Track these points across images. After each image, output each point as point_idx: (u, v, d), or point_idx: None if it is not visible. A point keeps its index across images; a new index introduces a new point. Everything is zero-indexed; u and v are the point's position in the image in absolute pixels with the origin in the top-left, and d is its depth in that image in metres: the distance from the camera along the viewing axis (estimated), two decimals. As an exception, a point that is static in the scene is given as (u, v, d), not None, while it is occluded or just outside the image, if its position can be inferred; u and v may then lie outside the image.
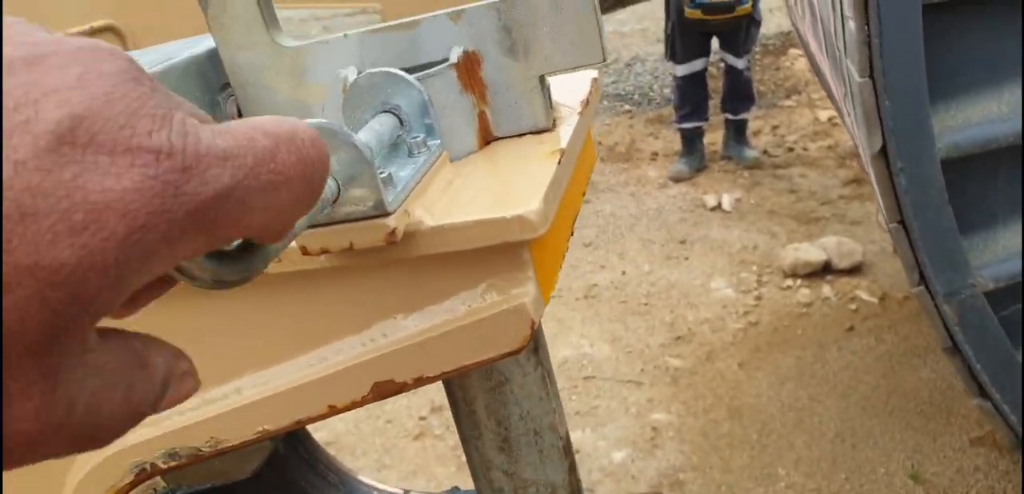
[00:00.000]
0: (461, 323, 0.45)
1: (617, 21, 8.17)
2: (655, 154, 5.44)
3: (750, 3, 4.48)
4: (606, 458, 2.90)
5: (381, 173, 0.39)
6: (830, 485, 2.63)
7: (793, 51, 6.66)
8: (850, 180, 4.62)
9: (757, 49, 6.75)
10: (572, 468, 0.59)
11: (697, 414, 3.04)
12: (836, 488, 2.61)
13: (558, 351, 3.49)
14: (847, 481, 2.64)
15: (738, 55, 4.76)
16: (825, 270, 3.71)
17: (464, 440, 0.57)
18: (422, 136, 0.45)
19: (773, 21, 6.78)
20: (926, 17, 1.18)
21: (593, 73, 0.67)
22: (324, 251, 0.41)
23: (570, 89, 0.64)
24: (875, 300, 3.50)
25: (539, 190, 0.45)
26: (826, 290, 3.63)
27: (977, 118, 1.26)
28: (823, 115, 5.50)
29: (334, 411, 0.46)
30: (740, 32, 4.65)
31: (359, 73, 0.46)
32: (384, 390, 0.45)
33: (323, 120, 0.38)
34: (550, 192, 0.46)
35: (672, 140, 5.37)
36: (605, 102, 6.59)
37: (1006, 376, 1.47)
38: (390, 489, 0.93)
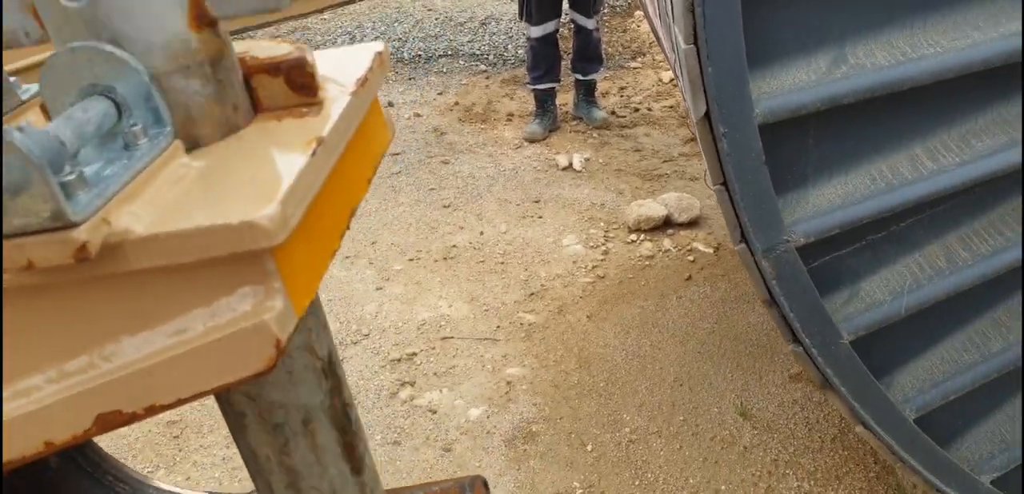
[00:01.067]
0: (196, 344, 0.38)
1: (471, -22, 8.06)
2: (511, 115, 5.46)
3: None
4: (463, 416, 2.92)
5: (69, 174, 0.30)
6: (669, 427, 2.80)
7: (639, 13, 6.91)
8: (689, 139, 4.88)
9: (605, 11, 6.92)
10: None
11: (549, 366, 3.12)
12: (675, 429, 2.79)
13: (417, 313, 3.45)
14: (685, 422, 2.82)
15: (588, 15, 4.84)
16: (666, 224, 3.91)
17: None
18: (142, 124, 0.36)
19: (618, -16, 7.00)
20: (741, -14, 1.22)
21: (378, 46, 0.61)
22: (-2, 270, 0.32)
23: (349, 66, 0.57)
24: (711, 251, 3.75)
25: (278, 189, 0.39)
26: (667, 243, 3.84)
27: (789, 85, 1.34)
28: (666, 76, 5.77)
29: (53, 447, 0.38)
30: None
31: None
32: (110, 422, 0.37)
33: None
34: (294, 191, 0.40)
35: (527, 100, 5.41)
36: (461, 61, 6.50)
37: (814, 324, 1.60)
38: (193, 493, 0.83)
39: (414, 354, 3.23)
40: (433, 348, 3.26)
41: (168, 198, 0.37)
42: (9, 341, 0.38)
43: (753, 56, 1.31)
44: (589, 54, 5.01)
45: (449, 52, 6.73)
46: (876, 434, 1.72)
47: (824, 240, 1.52)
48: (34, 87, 0.54)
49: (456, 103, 5.71)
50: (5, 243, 0.30)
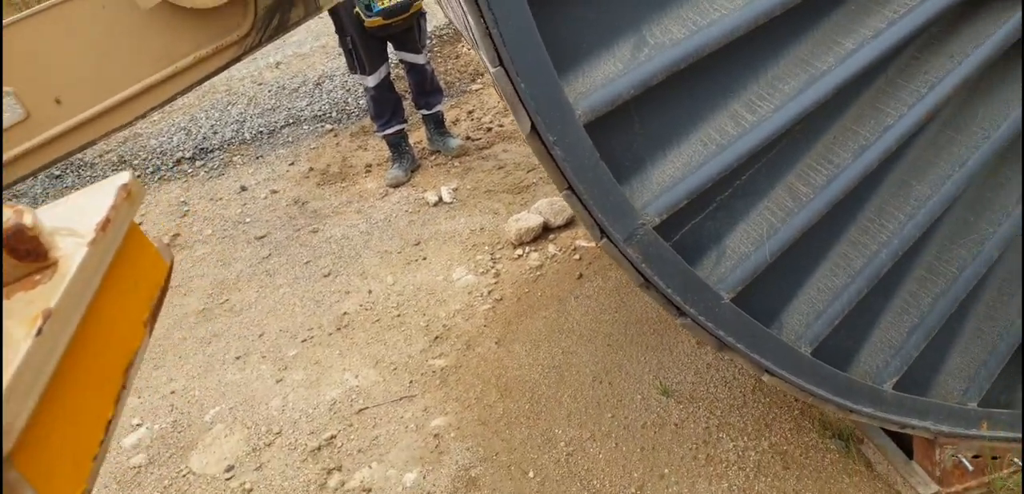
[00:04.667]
0: None
1: (295, 43, 7.88)
2: (369, 166, 5.35)
3: None
4: (399, 486, 2.79)
5: None
6: (601, 428, 2.78)
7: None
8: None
9: (434, 41, 6.94)
10: None
11: (471, 406, 3.04)
12: (606, 428, 2.77)
13: (324, 394, 3.28)
14: (614, 419, 2.81)
15: (417, 52, 4.83)
16: (546, 230, 3.94)
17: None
18: None
19: (440, 13, 7.02)
20: (531, 2, 1.21)
21: (123, 178, 0.54)
22: None
23: (90, 210, 0.51)
24: (593, 244, 3.80)
25: None
26: (552, 248, 3.86)
27: (601, 79, 1.34)
28: (511, 86, 5.86)
29: None
30: (413, 30, 4.71)
31: None
32: None
33: None
34: (16, 386, 0.36)
35: (381, 148, 5.33)
36: (305, 126, 6.32)
37: (694, 293, 1.61)
38: None
39: (333, 437, 3.06)
40: (351, 425, 3.11)
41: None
42: None
43: (561, 62, 1.30)
44: (427, 87, 5.01)
45: (291, 121, 6.53)
46: (781, 377, 1.75)
47: (677, 213, 1.53)
48: None
49: (310, 169, 5.54)
50: None
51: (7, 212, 0.45)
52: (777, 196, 1.63)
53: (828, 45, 1.54)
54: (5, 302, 0.44)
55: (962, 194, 1.75)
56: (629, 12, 1.33)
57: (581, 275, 3.60)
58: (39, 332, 0.40)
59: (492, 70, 1.24)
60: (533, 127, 1.32)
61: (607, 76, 1.33)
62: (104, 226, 0.51)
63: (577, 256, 3.76)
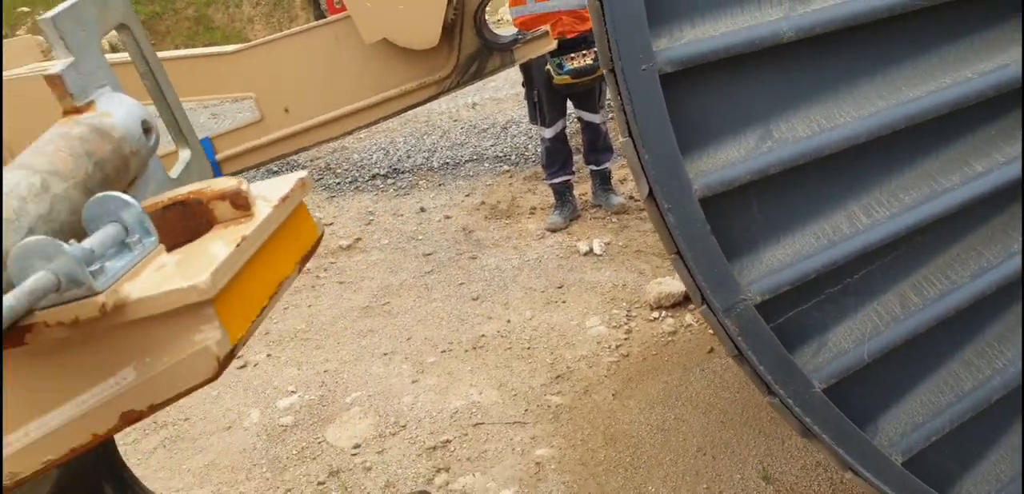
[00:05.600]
0: (174, 362, 0.62)
1: (492, 88, 8.58)
2: (533, 208, 5.74)
3: None
4: (493, 498, 3.03)
5: (94, 267, 0.55)
6: (693, 496, 2.86)
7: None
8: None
9: (611, 103, 7.22)
10: None
11: (576, 445, 3.22)
12: (698, 498, 2.84)
13: (449, 402, 3.62)
14: (708, 489, 2.87)
15: (595, 111, 5.17)
16: (686, 300, 4.03)
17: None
18: (138, 236, 0.63)
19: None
20: (666, 86, 1.44)
21: (301, 174, 0.87)
22: (60, 324, 0.56)
23: (279, 189, 0.84)
24: (730, 322, 3.83)
25: (211, 267, 0.64)
26: (689, 318, 3.95)
27: (723, 162, 1.52)
28: (682, 158, 5.98)
29: (97, 438, 0.62)
30: (594, 91, 5.06)
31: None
32: (130, 418, 0.63)
33: (43, 238, 0.54)
34: (221, 268, 0.65)
35: (547, 194, 5.70)
36: (486, 164, 6.89)
37: (785, 375, 1.69)
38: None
39: (448, 441, 3.37)
40: (466, 435, 3.40)
41: (153, 278, 0.62)
42: (70, 375, 0.62)
43: (688, 141, 1.51)
44: (599, 145, 5.31)
45: (474, 157, 7.13)
46: (865, 479, 1.77)
47: (782, 296, 1.64)
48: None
49: (482, 203, 6.03)
50: (60, 308, 0.54)
51: (232, 180, 0.78)
52: (887, 300, 1.70)
53: (958, 164, 1.61)
54: (224, 229, 0.75)
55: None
56: (761, 106, 1.52)
57: (712, 350, 3.66)
58: (237, 246, 0.69)
59: (621, 139, 1.48)
60: (651, 193, 1.53)
61: (729, 160, 1.51)
62: (284, 199, 0.83)
63: (712, 331, 3.82)
